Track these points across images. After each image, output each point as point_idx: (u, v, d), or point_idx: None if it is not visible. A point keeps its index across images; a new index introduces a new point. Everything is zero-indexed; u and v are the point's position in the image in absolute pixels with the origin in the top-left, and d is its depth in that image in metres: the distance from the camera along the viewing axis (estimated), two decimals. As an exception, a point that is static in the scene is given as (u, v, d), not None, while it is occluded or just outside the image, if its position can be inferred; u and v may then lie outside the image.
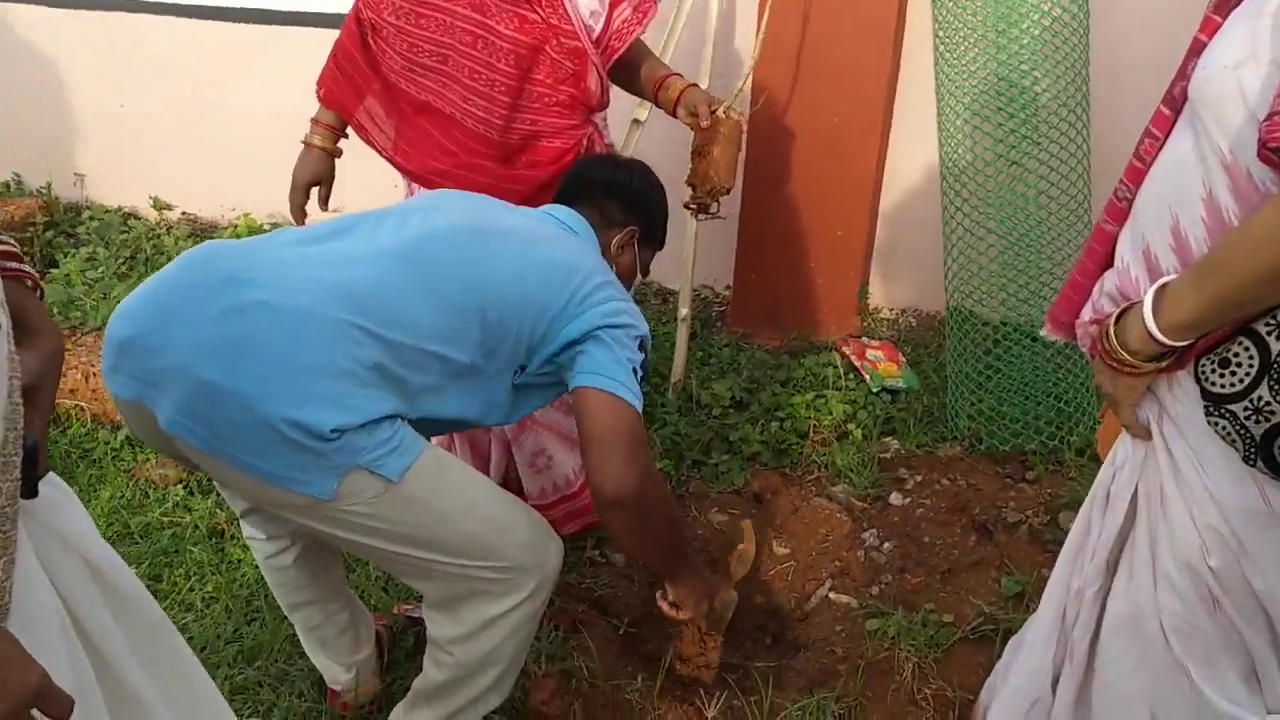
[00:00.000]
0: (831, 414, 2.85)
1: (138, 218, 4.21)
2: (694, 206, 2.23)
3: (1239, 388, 1.13)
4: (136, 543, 2.41)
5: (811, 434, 2.82)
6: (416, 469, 1.48)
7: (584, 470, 1.62)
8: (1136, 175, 1.36)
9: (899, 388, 2.99)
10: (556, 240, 1.72)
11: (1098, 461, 2.66)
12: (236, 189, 4.04)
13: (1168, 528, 1.24)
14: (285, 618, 1.98)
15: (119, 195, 4.28)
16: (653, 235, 1.98)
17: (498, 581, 1.59)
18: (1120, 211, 1.38)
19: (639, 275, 1.97)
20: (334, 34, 2.21)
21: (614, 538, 2.23)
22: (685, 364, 3.04)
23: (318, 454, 1.39)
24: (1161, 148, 1.29)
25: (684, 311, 3.00)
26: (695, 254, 2.98)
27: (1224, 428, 1.15)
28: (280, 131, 2.63)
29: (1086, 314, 1.37)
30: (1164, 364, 1.21)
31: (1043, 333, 1.55)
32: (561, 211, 1.83)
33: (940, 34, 2.79)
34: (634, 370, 1.60)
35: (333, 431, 1.38)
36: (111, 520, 2.47)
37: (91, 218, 4.09)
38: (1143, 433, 1.28)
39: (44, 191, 4.29)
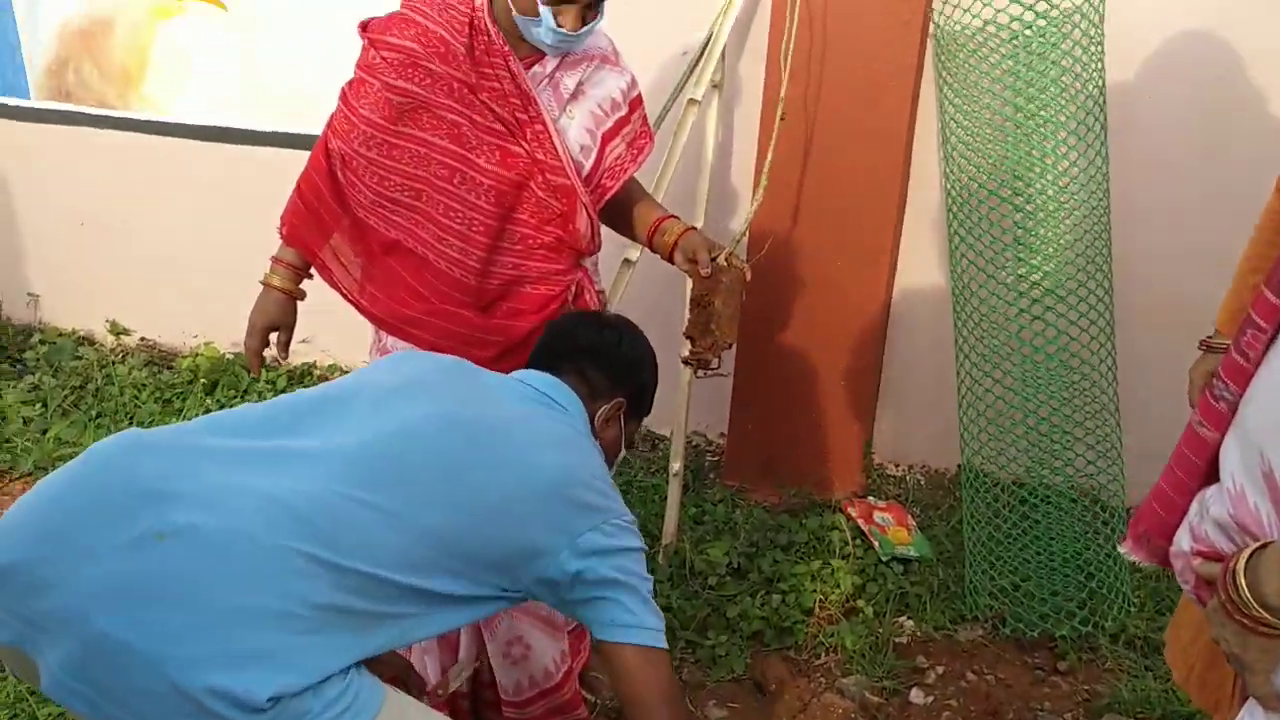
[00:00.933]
0: (839, 587, 2.57)
1: (93, 343, 3.95)
2: (694, 361, 2.02)
3: None
4: (41, 737, 2.08)
5: (817, 609, 2.54)
6: None
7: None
8: (1240, 374, 1.13)
9: (911, 556, 2.72)
10: (551, 445, 1.45)
11: (1135, 650, 2.41)
12: (198, 315, 3.80)
13: None
14: None
15: (75, 318, 4.03)
16: (640, 406, 1.74)
17: None
18: (1220, 416, 1.14)
19: (623, 451, 1.73)
20: (305, 155, 2.00)
21: None
22: (678, 524, 2.77)
23: None
24: (1271, 344, 1.07)
25: (676, 466, 2.75)
26: (690, 399, 2.74)
27: None
28: (246, 256, 2.39)
29: (1184, 541, 1.13)
30: None
31: (1122, 550, 1.29)
32: (545, 382, 1.58)
33: (950, 179, 2.63)
34: (651, 594, 1.42)
35: (269, 700, 1.09)
36: (15, 711, 2.14)
37: (42, 342, 3.84)
38: (1278, 706, 1.02)
39: (-8, 312, 4.04)
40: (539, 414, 1.50)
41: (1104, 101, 2.48)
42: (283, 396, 1.45)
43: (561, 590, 1.38)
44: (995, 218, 2.50)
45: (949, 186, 2.63)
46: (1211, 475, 1.14)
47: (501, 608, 1.43)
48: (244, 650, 1.10)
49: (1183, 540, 1.13)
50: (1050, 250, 2.50)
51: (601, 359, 1.65)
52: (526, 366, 1.66)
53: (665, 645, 1.40)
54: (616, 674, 1.40)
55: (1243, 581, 0.98)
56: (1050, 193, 2.48)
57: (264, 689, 1.08)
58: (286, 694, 1.10)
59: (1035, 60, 2.40)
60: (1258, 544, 0.99)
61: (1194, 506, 1.12)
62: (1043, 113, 2.43)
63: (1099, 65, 2.45)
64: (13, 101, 3.75)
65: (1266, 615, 0.96)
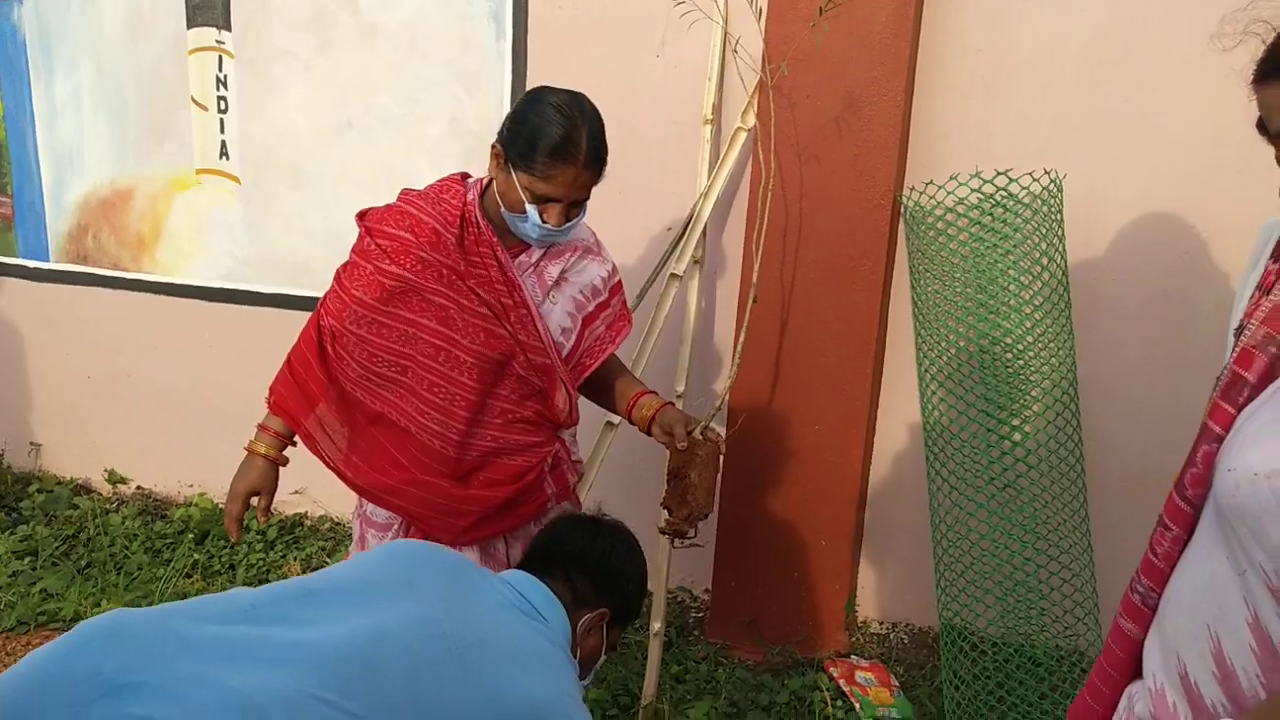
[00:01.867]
0: (820, 752, 2.56)
1: (89, 491, 4.02)
2: (670, 532, 2.07)
3: None
4: None
5: (798, 777, 2.52)
6: None
7: None
8: (1156, 574, 1.20)
9: (892, 718, 2.71)
10: (525, 670, 1.44)
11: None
12: (193, 466, 3.89)
13: None
14: None
15: (75, 467, 4.11)
16: (625, 616, 1.76)
17: None
18: (1141, 613, 1.20)
19: (603, 657, 1.74)
20: (304, 315, 2.11)
21: None
22: (658, 683, 2.77)
23: None
24: (1184, 548, 1.14)
25: (657, 626, 2.76)
26: (670, 559, 2.78)
27: None
28: (244, 409, 2.49)
29: None
30: None
31: None
32: (531, 588, 1.60)
33: (922, 350, 2.74)
34: None
35: None
36: None
37: (39, 490, 3.90)
38: None
39: (-6, 460, 4.13)
40: (521, 628, 1.51)
41: (1066, 279, 2.61)
42: (271, 585, 1.46)
43: None
44: (968, 385, 2.60)
45: (921, 358, 2.74)
46: (1137, 670, 1.19)
47: None
48: None
49: None
50: (1022, 416, 2.58)
51: (590, 568, 1.68)
52: (521, 565, 1.70)
53: None
54: None
55: None
56: (1020, 364, 2.59)
57: None
58: None
59: (999, 240, 2.54)
60: None
61: (1122, 702, 1.17)
62: (1009, 289, 2.56)
63: (1060, 244, 2.59)
64: (33, 263, 3.94)
65: None
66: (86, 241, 3.82)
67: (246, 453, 2.06)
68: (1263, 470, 0.99)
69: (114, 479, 4.00)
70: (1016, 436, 2.55)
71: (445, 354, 1.92)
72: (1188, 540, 1.13)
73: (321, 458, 2.05)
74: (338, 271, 2.03)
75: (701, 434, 2.03)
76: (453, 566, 1.57)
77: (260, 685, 1.21)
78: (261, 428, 2.06)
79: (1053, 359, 2.59)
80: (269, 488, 2.06)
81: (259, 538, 3.62)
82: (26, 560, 3.28)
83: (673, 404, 2.10)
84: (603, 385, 2.13)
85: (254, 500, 2.07)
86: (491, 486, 1.98)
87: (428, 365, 1.93)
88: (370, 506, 2.06)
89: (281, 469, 2.08)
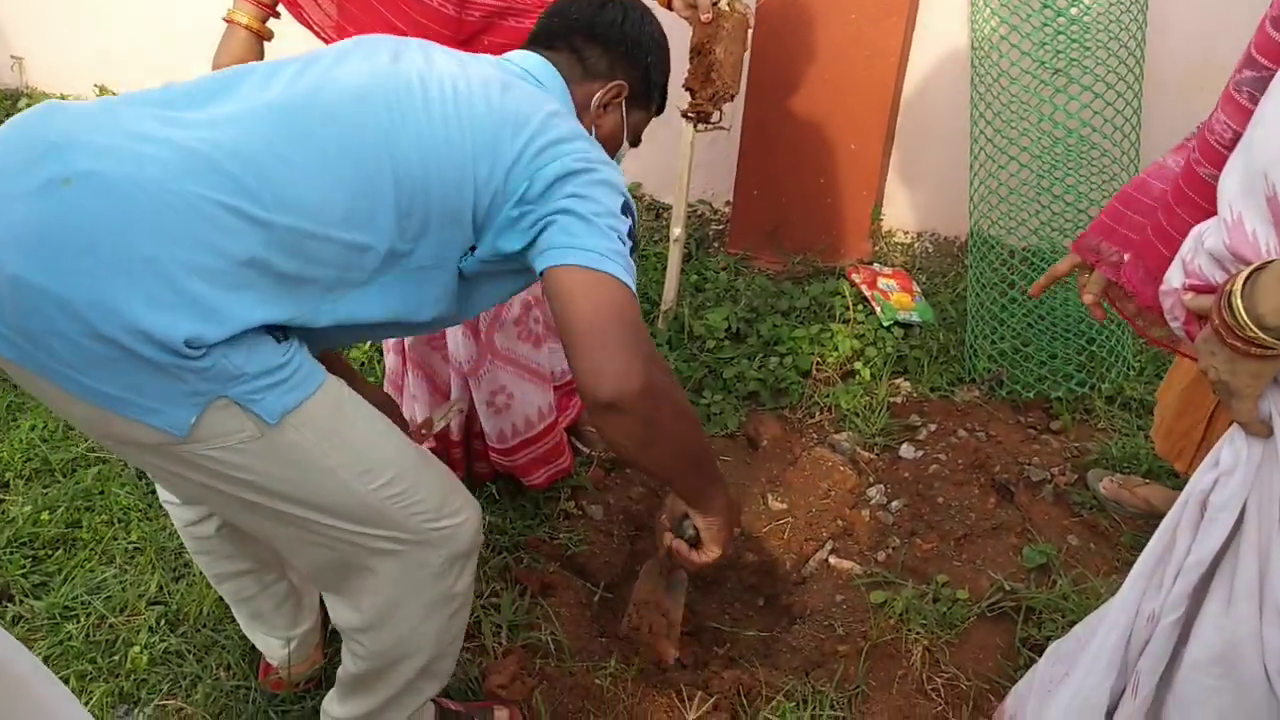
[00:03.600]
0: (837, 350, 2.57)
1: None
2: (693, 115, 1.93)
3: None
4: (58, 481, 2.15)
5: (814, 372, 2.55)
6: (304, 412, 1.16)
7: (571, 364, 1.18)
8: (1242, 114, 1.07)
9: (913, 321, 2.70)
10: (506, 86, 1.29)
11: (1129, 411, 2.43)
12: (188, 71, 3.66)
13: None
14: (217, 576, 1.73)
15: (61, 83, 3.90)
16: (647, 95, 1.53)
17: (388, 555, 1.29)
18: (1221, 157, 1.08)
19: (626, 144, 1.56)
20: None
21: (622, 457, 1.77)
22: (678, 290, 2.74)
23: (171, 372, 1.07)
24: (1270, 77, 1.00)
25: (677, 231, 2.69)
26: (691, 166, 2.64)
27: None
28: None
29: (1175, 278, 1.09)
30: None
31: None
32: (524, 58, 1.41)
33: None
34: (620, 239, 1.21)
35: (189, 345, 1.06)
36: (29, 455, 2.21)
37: (30, 104, 3.72)
38: (1264, 430, 1.00)
39: (-22, 76, 3.92)
40: (503, 72, 1.34)
41: None
42: (219, 72, 1.29)
43: (521, 234, 1.23)
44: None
45: (976, -75, 2.42)
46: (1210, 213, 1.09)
47: (446, 286, 1.28)
48: (159, 294, 1.05)
49: (1174, 277, 1.09)
50: (1081, 4, 2.32)
51: (599, 36, 1.45)
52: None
53: (619, 274, 1.18)
54: (554, 306, 1.19)
55: (1239, 303, 0.95)
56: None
57: (180, 330, 1.05)
58: (207, 342, 1.07)
59: None
60: (1255, 264, 0.95)
61: (1187, 243, 1.08)
62: None
63: None
64: None
65: (1262, 335, 0.93)
66: None
67: (225, 24, 1.87)
68: None
69: (104, 92, 3.81)
70: (1074, 11, 2.30)
71: None
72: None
73: (310, 26, 1.86)
74: None
75: (729, 5, 1.83)
76: (414, 40, 1.37)
77: (210, 139, 1.12)
78: None
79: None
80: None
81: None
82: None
83: None
84: None
85: None
86: (499, 51, 1.79)
87: None
88: (333, 46, 1.89)
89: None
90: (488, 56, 1.40)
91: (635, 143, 1.59)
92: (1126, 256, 1.36)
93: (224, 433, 1.14)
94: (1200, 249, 1.05)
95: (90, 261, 1.04)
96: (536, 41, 1.48)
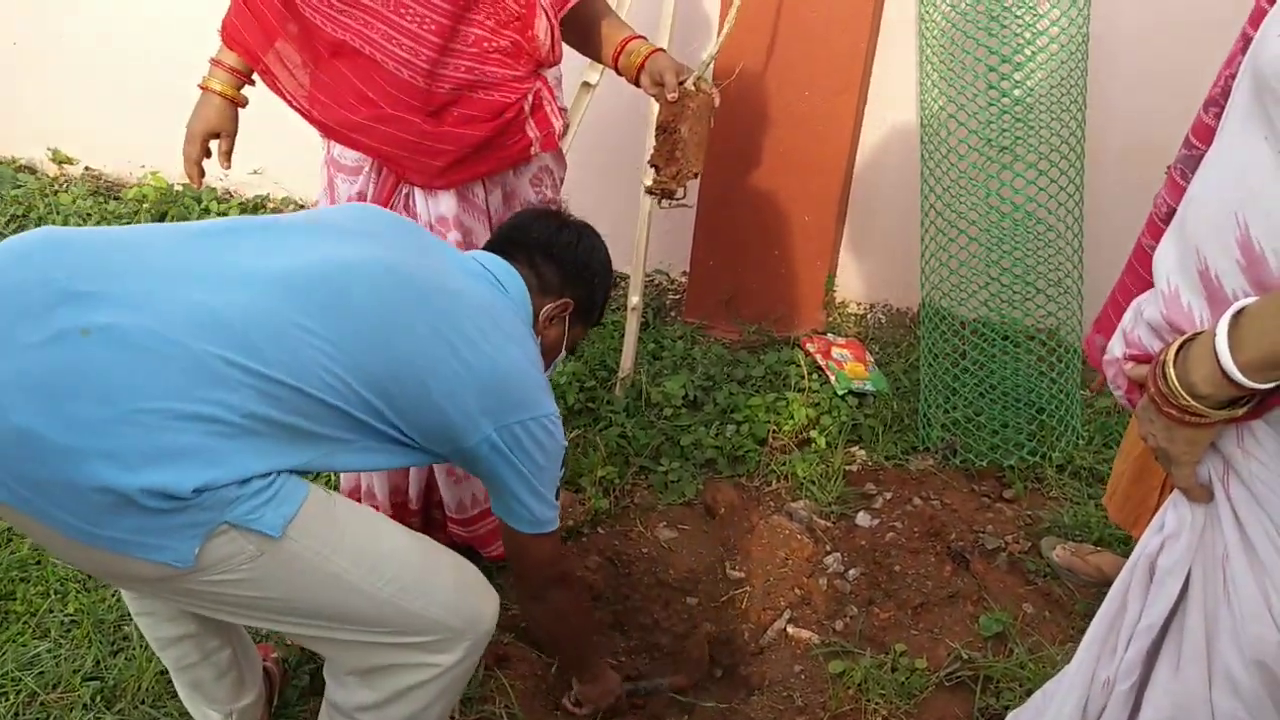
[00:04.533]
0: (793, 418, 2.58)
1: (34, 171, 3.80)
2: (658, 191, 1.96)
3: None
4: (-8, 551, 2.08)
5: (771, 440, 2.56)
6: (300, 522, 1.18)
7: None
8: (1177, 191, 1.12)
9: (867, 390, 2.73)
10: (494, 327, 1.39)
11: (1080, 480, 2.46)
12: (145, 144, 3.64)
13: (1232, 616, 0.99)
14: (156, 650, 1.67)
15: (13, 146, 3.86)
16: (589, 313, 1.69)
17: (421, 648, 1.31)
18: (1161, 231, 1.13)
19: (564, 353, 1.68)
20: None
21: (533, 629, 2.00)
22: (635, 358, 2.75)
23: (172, 514, 1.09)
24: (1201, 156, 1.06)
25: (634, 300, 2.71)
26: (649, 236, 2.68)
27: None
28: (197, 78, 2.27)
29: (1116, 348, 1.12)
30: (1239, 412, 0.95)
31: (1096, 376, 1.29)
32: (494, 263, 1.53)
33: (924, 10, 2.51)
34: (554, 492, 1.48)
35: (194, 491, 1.08)
36: (-37, 524, 2.13)
37: (-22, 170, 3.69)
38: (1204, 495, 1.02)
39: (-73, 140, 3.86)
40: (484, 291, 1.45)
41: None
42: (224, 218, 1.39)
43: (471, 461, 1.39)
44: (969, 46, 2.41)
45: (922, 16, 2.51)
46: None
47: (424, 459, 1.41)
48: (170, 448, 1.08)
49: (1115, 347, 1.13)
50: (1025, 70, 2.41)
51: (556, 256, 1.60)
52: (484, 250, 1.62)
53: (550, 530, 1.47)
54: (506, 544, 1.53)
55: (1171, 373, 0.97)
56: (1026, 20, 2.38)
57: (190, 481, 1.07)
58: (215, 487, 1.09)
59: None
60: (1185, 336, 0.98)
61: (1128, 314, 1.12)
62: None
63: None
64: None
65: (1194, 404, 0.96)
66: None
67: (201, 90, 1.88)
68: None
69: (59, 159, 3.78)
70: (1017, 93, 2.39)
71: None
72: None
73: (283, 95, 1.87)
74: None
75: (694, 85, 1.87)
76: (416, 229, 1.53)
77: (226, 300, 1.17)
78: (214, 63, 1.87)
79: (1065, 14, 2.38)
80: (229, 129, 1.91)
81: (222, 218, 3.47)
82: (-27, 234, 3.14)
83: (663, 50, 1.91)
84: (586, 27, 1.93)
85: (213, 145, 1.92)
86: (468, 124, 1.82)
87: None
88: (339, 149, 1.90)
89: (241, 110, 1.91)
90: (466, 258, 1.53)
91: (572, 352, 1.76)
92: None
93: (227, 556, 1.15)
94: (1140, 320, 1.08)
95: (104, 413, 1.06)
96: (500, 247, 1.59)
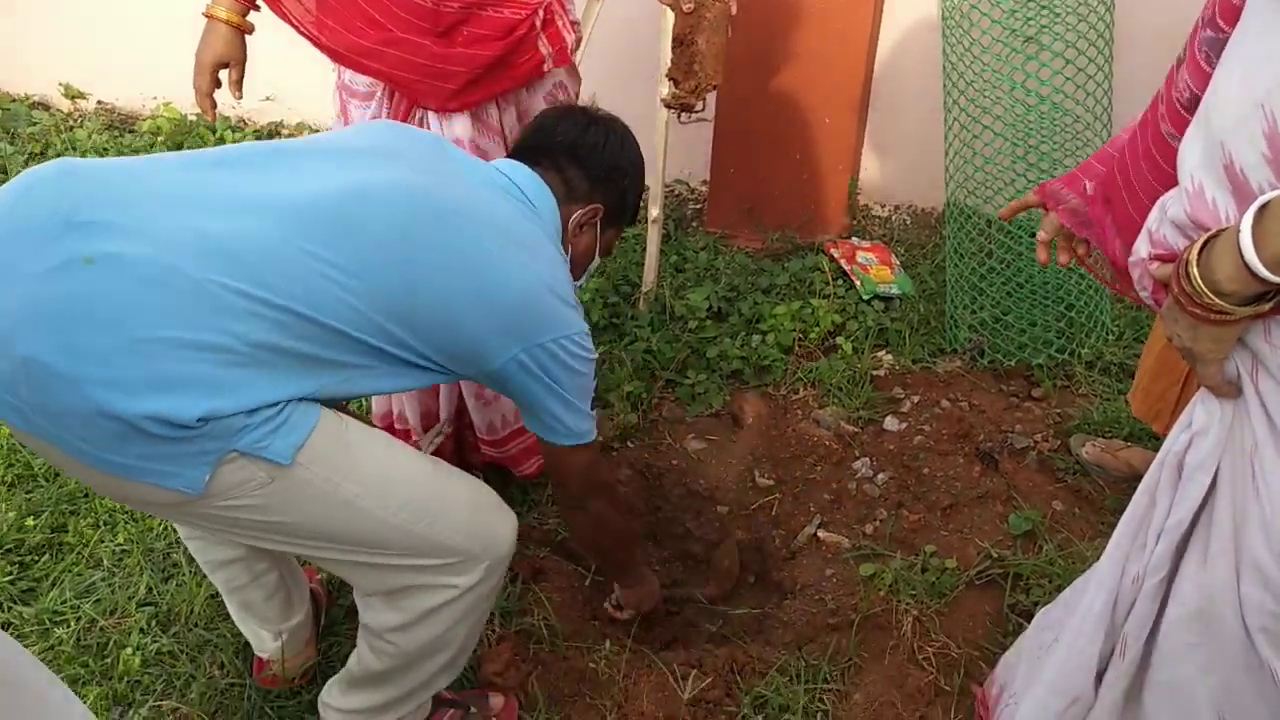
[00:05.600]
0: (819, 325, 2.57)
1: (47, 108, 3.79)
2: (676, 105, 1.92)
3: None
4: (41, 486, 2.13)
5: (796, 348, 2.55)
6: (310, 449, 1.20)
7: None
8: (1201, 76, 1.08)
9: (892, 294, 2.71)
10: (516, 246, 1.36)
11: (1109, 376, 2.45)
12: (157, 74, 3.61)
13: (1261, 508, 0.99)
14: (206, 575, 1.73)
15: (26, 83, 3.84)
16: (620, 215, 1.63)
17: (439, 570, 1.34)
18: (1182, 118, 1.10)
19: (598, 259, 1.65)
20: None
21: (575, 538, 2.00)
22: (658, 271, 2.74)
23: (180, 441, 1.11)
24: (1227, 40, 1.01)
25: (655, 212, 2.68)
26: (667, 146, 2.64)
27: None
28: (203, 6, 2.23)
29: (1142, 248, 1.10)
30: (1266, 306, 0.94)
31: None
32: (519, 173, 1.48)
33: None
34: (588, 402, 1.46)
35: (199, 420, 1.10)
36: (11, 461, 2.18)
37: (-9, 107, 3.68)
38: (1232, 391, 1.02)
39: (-60, 79, 3.85)
40: (506, 207, 1.41)
41: None
42: (237, 144, 1.38)
43: (500, 382, 1.38)
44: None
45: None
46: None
47: (448, 379, 1.42)
48: (174, 376, 1.09)
49: (1141, 247, 1.10)
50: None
51: (583, 159, 1.54)
52: (508, 156, 1.57)
53: (589, 441, 1.47)
54: (545, 457, 1.53)
55: (1195, 271, 0.96)
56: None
57: (194, 410, 1.09)
58: (220, 416, 1.11)
59: None
60: (1209, 233, 0.96)
61: (1153, 213, 1.09)
62: None
63: None
64: None
65: (1218, 301, 0.95)
66: None
67: (206, 19, 1.85)
68: None
69: (70, 93, 3.76)
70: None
71: None
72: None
73: (289, 20, 1.83)
74: None
75: None
76: (436, 142, 1.49)
77: (234, 230, 1.16)
78: None
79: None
80: (238, 57, 1.87)
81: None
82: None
83: None
84: None
85: (223, 74, 1.89)
86: (478, 43, 1.78)
87: None
88: (350, 74, 1.88)
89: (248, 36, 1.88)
90: (492, 169, 1.49)
91: (606, 254, 1.68)
92: (1087, 190, 1.37)
93: (238, 483, 1.17)
94: (1164, 219, 1.06)
95: (107, 342, 1.07)
96: (526, 153, 1.54)
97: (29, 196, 1.15)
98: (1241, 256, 0.90)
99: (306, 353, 1.18)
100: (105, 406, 1.07)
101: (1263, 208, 0.90)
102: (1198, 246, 0.96)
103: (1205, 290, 0.95)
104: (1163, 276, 1.06)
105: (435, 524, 1.31)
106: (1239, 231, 0.91)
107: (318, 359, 1.20)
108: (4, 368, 1.08)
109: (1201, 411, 1.07)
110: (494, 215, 1.38)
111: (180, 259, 1.12)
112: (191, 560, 1.91)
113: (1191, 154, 1.03)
